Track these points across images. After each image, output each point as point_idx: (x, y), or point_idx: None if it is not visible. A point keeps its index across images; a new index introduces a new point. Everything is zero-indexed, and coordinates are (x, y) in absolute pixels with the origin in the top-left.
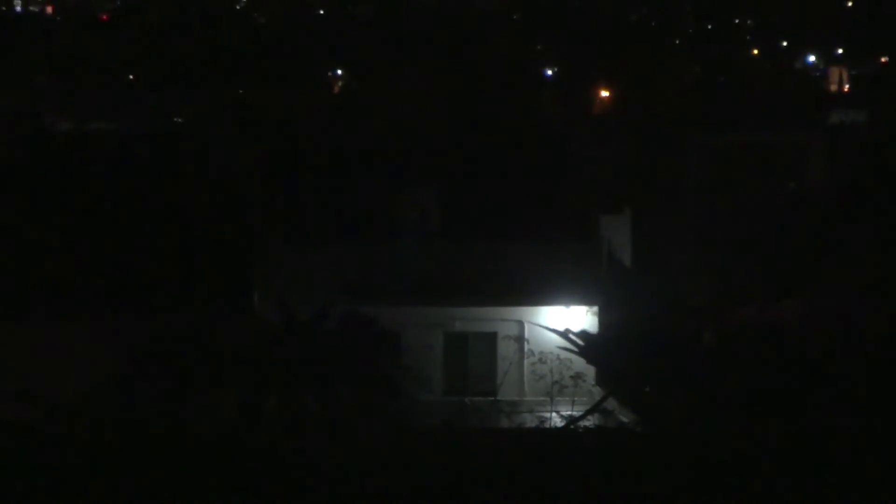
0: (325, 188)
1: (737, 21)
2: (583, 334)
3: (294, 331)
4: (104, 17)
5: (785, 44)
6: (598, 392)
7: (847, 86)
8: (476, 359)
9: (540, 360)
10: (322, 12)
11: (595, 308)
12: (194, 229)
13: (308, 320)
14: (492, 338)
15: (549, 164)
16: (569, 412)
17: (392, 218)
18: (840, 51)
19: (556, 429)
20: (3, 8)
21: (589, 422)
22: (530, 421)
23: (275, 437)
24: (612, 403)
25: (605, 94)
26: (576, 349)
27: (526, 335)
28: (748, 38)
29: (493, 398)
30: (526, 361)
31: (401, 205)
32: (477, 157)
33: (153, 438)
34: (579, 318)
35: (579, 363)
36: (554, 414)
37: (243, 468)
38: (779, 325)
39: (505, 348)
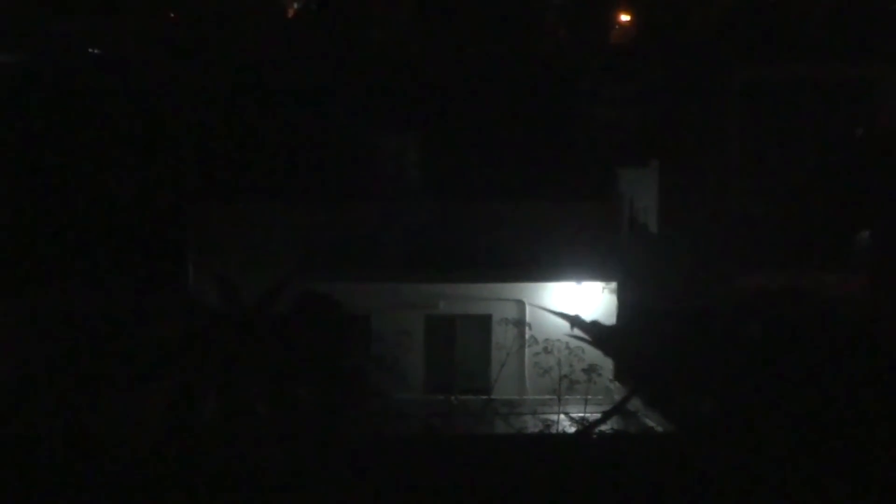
0: (279, 134)
1: None
2: (595, 325)
3: (238, 315)
4: None
5: None
6: (616, 389)
7: None
8: (465, 348)
9: (545, 349)
10: None
11: (613, 284)
12: (114, 186)
13: (255, 302)
14: (485, 322)
15: (556, 105)
16: (581, 414)
17: (362, 171)
18: None
19: (566, 435)
20: None
21: (606, 426)
22: (533, 425)
23: (214, 448)
24: (634, 403)
25: (625, 18)
26: (588, 338)
27: (527, 318)
28: None
29: (486, 397)
30: (527, 351)
31: (373, 155)
32: (467, 97)
33: (54, 451)
34: (593, 296)
35: (594, 353)
36: (562, 416)
37: (172, 487)
38: (845, 307)
39: (501, 335)
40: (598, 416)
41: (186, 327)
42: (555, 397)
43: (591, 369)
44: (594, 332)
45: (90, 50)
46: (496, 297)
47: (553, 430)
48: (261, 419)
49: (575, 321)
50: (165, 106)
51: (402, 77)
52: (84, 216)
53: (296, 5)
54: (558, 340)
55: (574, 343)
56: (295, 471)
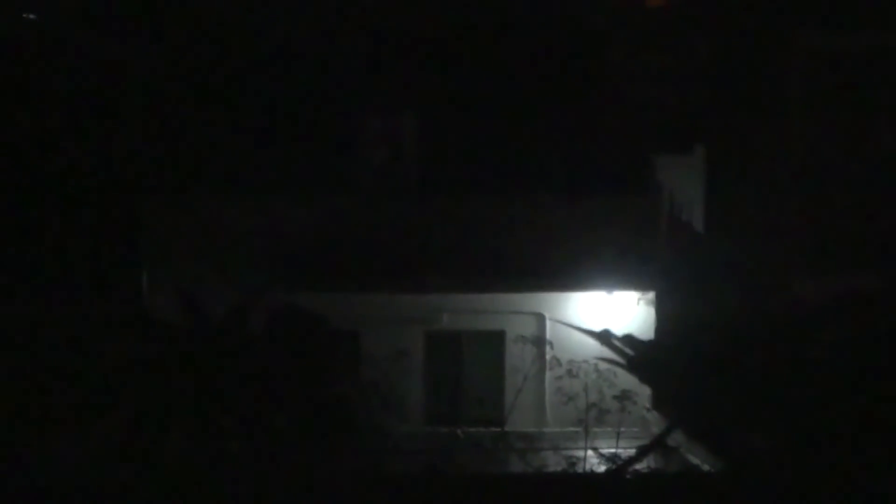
0: (250, 116)
1: None
2: (628, 340)
3: (204, 333)
4: None
5: None
6: (654, 420)
7: None
8: (474, 371)
9: (569, 372)
10: None
11: (650, 294)
12: (52, 178)
13: (224, 317)
14: (497, 339)
15: (580, 80)
16: (612, 450)
17: (348, 162)
18: None
19: (595, 474)
20: None
21: (642, 464)
22: (555, 462)
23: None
24: (676, 437)
25: None
26: (621, 360)
27: (548, 335)
28: None
29: (499, 429)
30: (548, 374)
31: (363, 140)
32: (474, 70)
33: None
34: (627, 309)
35: (627, 376)
36: (590, 452)
37: None
38: None
39: (517, 355)
40: (633, 452)
41: (141, 347)
42: (581, 430)
43: (624, 396)
44: (627, 349)
45: (24, 15)
46: (511, 309)
47: (579, 469)
48: (231, 454)
49: (604, 337)
50: (114, 82)
51: (393, 45)
52: (16, 212)
53: None
54: (585, 362)
55: (604, 365)
56: None
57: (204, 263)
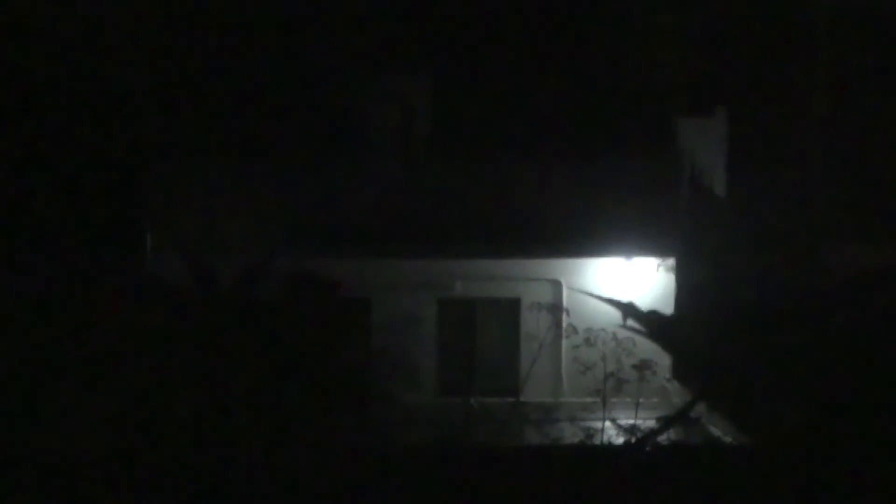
0: (256, 74)
1: None
2: (652, 315)
3: (211, 298)
4: None
5: None
6: (675, 390)
7: None
8: (488, 339)
9: (586, 340)
10: None
11: (670, 261)
12: (49, 134)
13: (233, 283)
14: (512, 306)
15: (599, 39)
16: (631, 421)
17: (360, 121)
18: None
19: (613, 446)
20: None
21: (664, 436)
22: (572, 434)
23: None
24: (698, 408)
25: None
26: (641, 328)
27: (565, 302)
28: None
29: (513, 399)
30: (565, 343)
31: (373, 101)
32: (491, 29)
33: None
34: (646, 276)
35: (646, 345)
36: (608, 423)
37: None
38: None
39: (532, 323)
40: (653, 423)
41: (146, 313)
42: (598, 400)
43: (643, 365)
44: (650, 324)
45: None
46: (526, 276)
47: (597, 441)
48: (239, 425)
49: (628, 310)
50: (116, 44)
51: (405, 2)
52: (15, 177)
53: None
54: (603, 330)
55: (623, 333)
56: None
57: (211, 228)
